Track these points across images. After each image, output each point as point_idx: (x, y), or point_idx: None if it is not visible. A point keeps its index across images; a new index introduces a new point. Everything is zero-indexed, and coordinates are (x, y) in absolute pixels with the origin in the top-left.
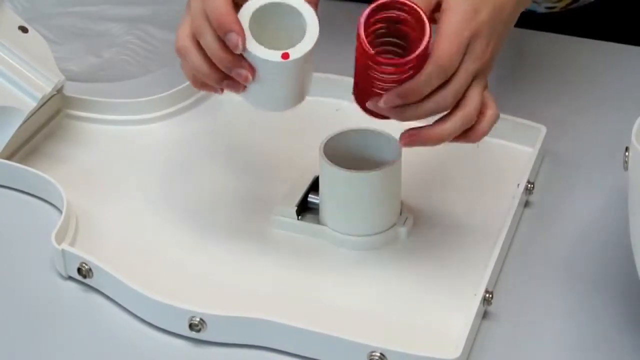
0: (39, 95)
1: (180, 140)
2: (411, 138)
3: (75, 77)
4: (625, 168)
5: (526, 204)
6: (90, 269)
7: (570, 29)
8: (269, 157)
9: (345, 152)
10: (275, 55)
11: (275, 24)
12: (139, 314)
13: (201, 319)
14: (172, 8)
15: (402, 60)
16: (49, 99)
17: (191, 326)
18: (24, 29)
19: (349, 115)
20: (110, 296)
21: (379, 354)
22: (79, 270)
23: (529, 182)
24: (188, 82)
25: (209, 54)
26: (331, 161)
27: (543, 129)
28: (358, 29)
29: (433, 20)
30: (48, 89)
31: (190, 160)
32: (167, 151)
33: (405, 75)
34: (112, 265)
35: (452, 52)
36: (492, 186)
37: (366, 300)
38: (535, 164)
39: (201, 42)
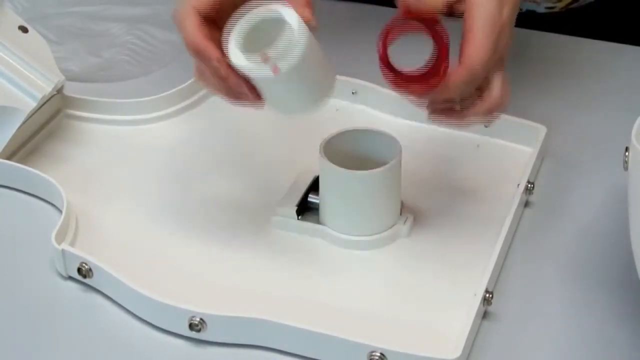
0: (39, 95)
1: (180, 140)
2: (440, 118)
3: (75, 77)
4: (625, 168)
5: (526, 204)
6: (90, 269)
7: (570, 29)
8: (269, 157)
9: (345, 152)
10: (265, 71)
11: (268, 37)
12: (139, 314)
13: (201, 319)
14: (172, 8)
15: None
16: (49, 99)
17: (191, 326)
18: (24, 29)
19: (349, 115)
20: (110, 296)
21: (379, 354)
22: (79, 270)
23: (529, 182)
24: (188, 82)
25: (214, 91)
26: (331, 161)
27: (543, 129)
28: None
29: (454, 12)
30: (48, 89)
31: (191, 160)
32: (167, 151)
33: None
34: (112, 265)
35: (485, 59)
36: (492, 186)
37: (366, 300)
38: (535, 164)
39: (204, 82)
